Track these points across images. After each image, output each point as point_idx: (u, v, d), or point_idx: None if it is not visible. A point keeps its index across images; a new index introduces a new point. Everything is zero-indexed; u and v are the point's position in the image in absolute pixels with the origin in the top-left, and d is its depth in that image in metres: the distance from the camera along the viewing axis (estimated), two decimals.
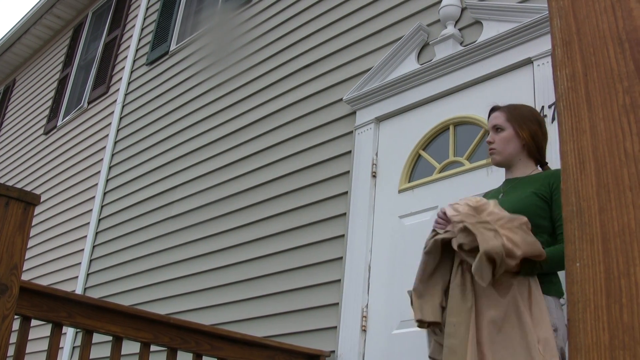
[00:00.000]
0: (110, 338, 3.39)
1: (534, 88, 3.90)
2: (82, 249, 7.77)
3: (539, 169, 3.11)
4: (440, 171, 4.29)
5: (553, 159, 3.58)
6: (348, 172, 4.90)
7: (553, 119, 3.69)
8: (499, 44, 4.17)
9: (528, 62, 4.01)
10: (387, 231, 4.46)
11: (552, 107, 3.72)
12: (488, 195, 3.13)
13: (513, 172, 3.09)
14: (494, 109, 3.19)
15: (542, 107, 3.78)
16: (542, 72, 3.89)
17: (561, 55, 1.08)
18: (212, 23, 7.36)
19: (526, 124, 3.07)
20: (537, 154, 3.11)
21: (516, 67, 4.10)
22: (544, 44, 3.90)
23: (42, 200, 7.90)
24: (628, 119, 0.97)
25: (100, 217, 7.74)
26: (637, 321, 0.89)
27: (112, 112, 8.48)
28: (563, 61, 1.08)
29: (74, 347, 7.10)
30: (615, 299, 0.92)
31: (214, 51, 7.10)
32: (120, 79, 8.67)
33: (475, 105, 4.17)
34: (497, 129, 3.09)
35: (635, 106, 0.97)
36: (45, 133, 10.20)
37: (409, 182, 4.48)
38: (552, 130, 3.65)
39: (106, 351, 3.64)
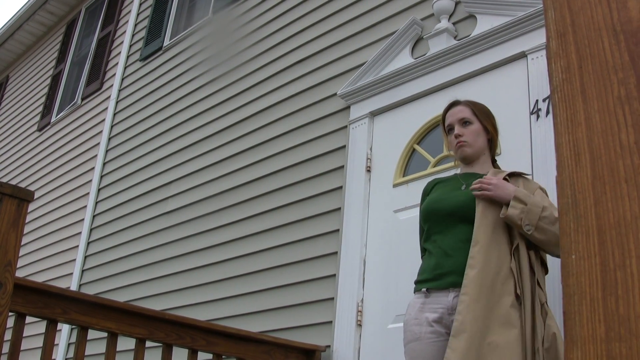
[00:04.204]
0: (105, 334, 3.38)
1: (528, 81, 3.90)
2: (77, 246, 7.75)
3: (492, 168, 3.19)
4: (435, 165, 4.29)
5: (548, 153, 3.59)
6: (342, 166, 4.90)
7: (547, 113, 3.69)
8: (493, 37, 4.17)
9: (522, 55, 4.01)
10: (382, 225, 4.46)
11: (547, 101, 3.72)
12: (445, 188, 3.15)
13: (473, 167, 3.14)
14: (454, 104, 3.21)
15: (537, 100, 3.78)
16: (536, 65, 3.89)
17: (556, 47, 1.08)
18: (205, 19, 7.34)
19: (489, 119, 3.17)
20: (493, 149, 3.22)
21: (510, 61, 4.10)
22: (538, 37, 3.90)
23: (36, 196, 7.90)
24: (623, 110, 0.97)
25: (95, 214, 7.73)
26: (633, 313, 0.89)
27: (106, 109, 8.47)
28: (558, 53, 1.07)
29: (69, 344, 7.10)
30: (611, 291, 0.92)
31: (207, 47, 7.09)
32: (114, 75, 8.65)
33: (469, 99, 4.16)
34: (464, 122, 3.12)
35: (631, 98, 0.96)
36: (39, 129, 10.18)
37: (403, 176, 4.48)
38: (547, 124, 3.66)
39: (101, 347, 3.63)
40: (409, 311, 2.95)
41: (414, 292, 3.00)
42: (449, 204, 3.01)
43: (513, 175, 3.00)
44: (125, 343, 3.74)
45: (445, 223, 2.97)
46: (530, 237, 2.73)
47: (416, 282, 3.01)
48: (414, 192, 4.32)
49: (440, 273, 2.88)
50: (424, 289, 2.91)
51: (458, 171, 3.25)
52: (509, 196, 2.77)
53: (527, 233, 2.71)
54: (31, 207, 8.34)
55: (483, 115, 3.15)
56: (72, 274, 7.59)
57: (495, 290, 2.67)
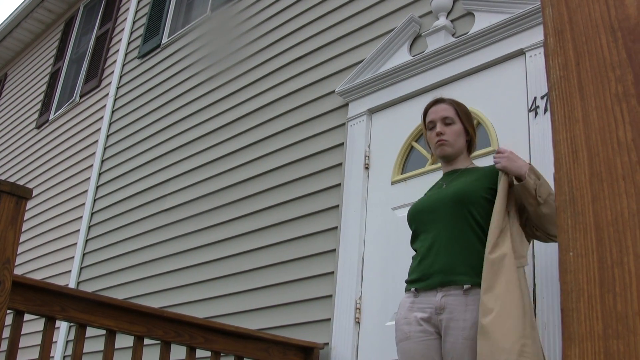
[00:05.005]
0: (103, 332, 3.38)
1: (526, 79, 3.90)
2: (75, 243, 7.75)
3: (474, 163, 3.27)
4: (433, 163, 4.28)
5: (546, 150, 3.59)
6: (341, 164, 4.89)
7: (545, 110, 3.69)
8: (491, 35, 4.17)
9: (520, 53, 4.01)
10: (380, 223, 4.46)
11: (545, 98, 3.72)
12: (430, 191, 3.23)
13: (453, 166, 3.19)
14: (438, 101, 3.24)
15: (535, 98, 3.78)
16: (534, 63, 3.89)
17: (553, 44, 1.08)
18: (203, 16, 7.34)
19: (470, 121, 3.22)
20: (471, 151, 3.29)
21: (508, 58, 4.10)
22: (536, 34, 3.90)
23: (34, 194, 7.90)
24: (620, 107, 0.97)
25: (93, 211, 7.72)
26: (630, 310, 0.89)
27: (104, 106, 8.46)
28: (555, 50, 1.07)
29: (67, 341, 7.09)
30: (608, 288, 0.92)
31: (205, 45, 7.08)
32: (112, 72, 8.64)
33: (467, 97, 4.16)
34: (447, 121, 3.15)
35: (628, 95, 0.96)
36: (38, 127, 10.17)
37: (401, 173, 4.48)
38: (545, 121, 3.66)
39: (100, 345, 3.63)
40: (400, 310, 3.00)
41: (405, 292, 3.04)
42: (429, 201, 3.09)
43: None
44: (124, 340, 3.74)
45: (429, 222, 3.03)
46: (537, 209, 2.78)
47: (406, 282, 3.05)
48: (412, 189, 4.32)
49: (427, 273, 2.92)
50: (412, 289, 2.94)
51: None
52: (519, 169, 2.83)
53: (537, 203, 2.76)
54: (29, 204, 8.33)
55: (465, 117, 3.21)
56: (70, 271, 7.59)
57: (511, 268, 2.72)
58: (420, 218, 3.07)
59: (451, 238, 2.89)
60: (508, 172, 2.87)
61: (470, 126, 3.20)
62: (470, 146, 3.24)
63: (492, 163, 3.09)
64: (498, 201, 2.82)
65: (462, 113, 3.20)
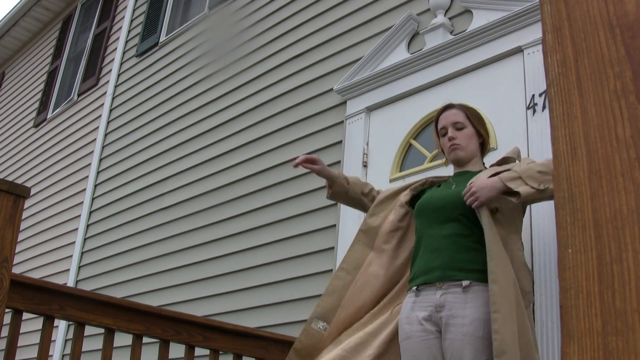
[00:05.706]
0: (102, 330, 3.38)
1: (524, 76, 3.90)
2: (74, 242, 7.75)
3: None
4: (431, 160, 4.28)
5: (545, 147, 3.59)
6: (339, 162, 4.89)
7: (544, 107, 3.69)
8: (489, 32, 4.16)
9: (518, 50, 4.01)
10: None
11: (543, 96, 3.72)
12: (440, 188, 3.21)
13: (465, 168, 3.18)
14: (448, 107, 3.24)
15: (533, 95, 3.78)
16: (532, 60, 3.89)
17: (552, 40, 1.08)
18: (201, 15, 7.33)
19: (482, 123, 3.23)
20: (484, 153, 3.27)
21: (506, 56, 4.10)
22: (534, 32, 3.90)
23: (32, 193, 7.89)
24: (619, 104, 0.97)
25: (92, 210, 7.72)
26: (629, 307, 0.89)
27: (102, 104, 8.46)
28: (554, 47, 1.07)
29: (66, 340, 7.09)
30: (607, 285, 0.92)
31: (203, 43, 7.08)
32: (110, 70, 8.64)
33: (465, 94, 4.16)
34: (458, 126, 3.15)
35: (627, 91, 0.96)
36: (35, 126, 10.17)
37: (400, 171, 4.47)
38: (544, 118, 3.66)
39: (98, 343, 3.63)
40: (402, 310, 3.01)
41: (407, 291, 3.04)
42: (436, 198, 3.08)
43: (503, 163, 3.07)
44: (123, 339, 3.74)
45: (432, 219, 3.03)
46: (547, 190, 2.72)
47: (409, 280, 3.06)
48: None
49: (426, 269, 2.93)
50: (414, 288, 2.95)
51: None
52: (495, 190, 2.76)
53: (546, 189, 2.70)
54: (28, 203, 8.33)
55: (476, 120, 3.21)
56: (68, 270, 7.59)
57: (520, 305, 2.71)
58: (425, 214, 3.08)
59: (452, 237, 2.89)
60: (489, 202, 2.79)
61: (482, 128, 3.21)
62: (483, 149, 3.24)
63: (493, 162, 3.10)
64: (492, 237, 2.75)
65: (473, 116, 3.20)
